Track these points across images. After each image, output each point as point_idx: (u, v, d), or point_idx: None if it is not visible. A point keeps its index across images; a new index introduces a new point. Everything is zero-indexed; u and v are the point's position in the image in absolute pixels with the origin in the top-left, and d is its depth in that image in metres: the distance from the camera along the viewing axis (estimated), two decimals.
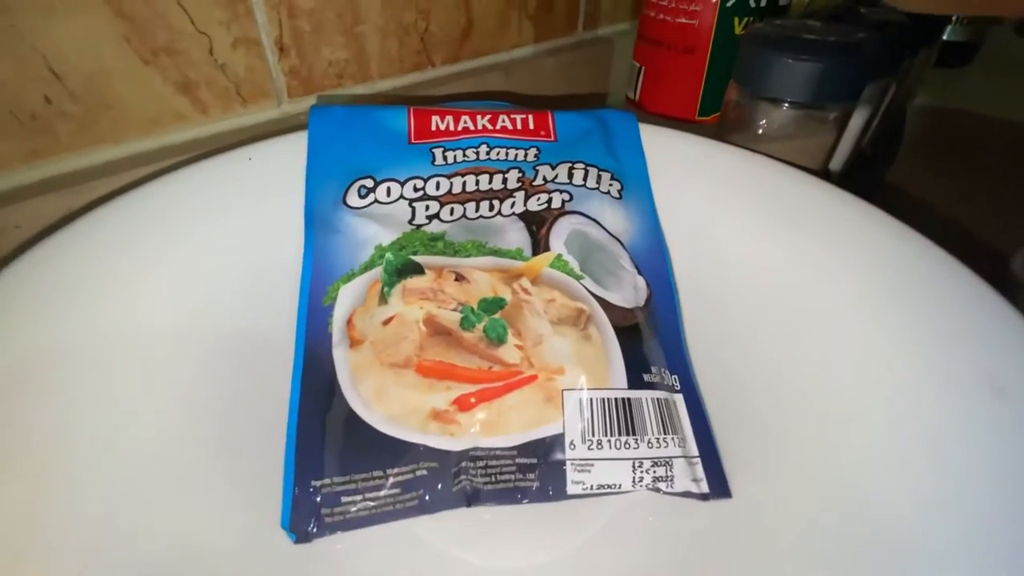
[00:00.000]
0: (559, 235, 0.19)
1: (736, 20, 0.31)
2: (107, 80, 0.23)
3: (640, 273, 0.19)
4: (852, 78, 0.19)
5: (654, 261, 0.20)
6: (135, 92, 0.24)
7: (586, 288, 0.18)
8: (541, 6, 0.41)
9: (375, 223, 0.19)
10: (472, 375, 0.16)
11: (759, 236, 0.19)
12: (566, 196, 0.20)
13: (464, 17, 0.36)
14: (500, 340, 0.16)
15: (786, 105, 0.20)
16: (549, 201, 0.20)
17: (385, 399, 0.16)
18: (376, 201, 0.20)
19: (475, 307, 0.17)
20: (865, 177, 0.31)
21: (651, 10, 0.33)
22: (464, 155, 0.21)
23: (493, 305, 0.17)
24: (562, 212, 0.19)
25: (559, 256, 0.18)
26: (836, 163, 0.25)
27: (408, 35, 0.33)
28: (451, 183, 0.20)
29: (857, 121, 0.23)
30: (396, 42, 0.32)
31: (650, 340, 0.18)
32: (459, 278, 0.18)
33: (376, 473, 0.15)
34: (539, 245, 0.19)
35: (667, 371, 0.17)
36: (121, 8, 0.22)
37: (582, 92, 0.47)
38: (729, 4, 0.30)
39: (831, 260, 0.17)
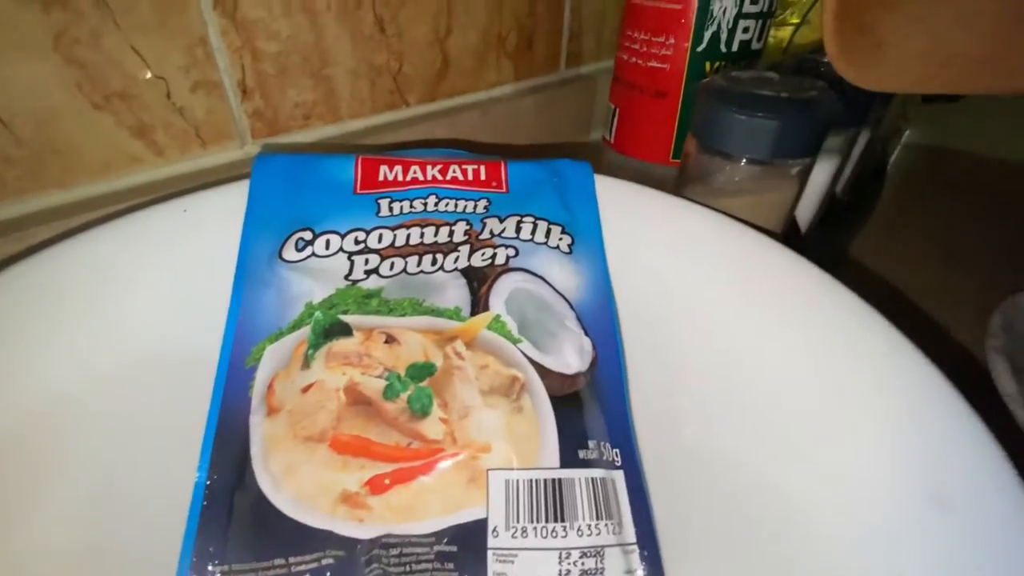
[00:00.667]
0: (500, 294, 0.18)
1: (708, 65, 0.30)
2: (56, 125, 0.22)
3: (586, 333, 0.18)
4: (808, 135, 0.18)
5: (602, 320, 0.19)
6: (86, 136, 0.23)
7: (523, 353, 0.17)
8: (520, 45, 0.41)
9: (309, 278, 0.18)
10: (389, 453, 0.15)
11: (710, 300, 0.18)
12: (511, 251, 0.19)
13: (439, 57, 0.36)
14: (424, 412, 0.15)
15: (744, 160, 0.19)
16: (493, 257, 0.19)
17: (295, 477, 0.14)
18: (313, 254, 0.19)
19: (402, 373, 0.16)
20: (844, 222, 0.30)
21: (624, 53, 0.33)
22: (411, 206, 0.20)
23: (422, 371, 0.16)
24: (505, 269, 0.19)
25: (497, 317, 0.17)
26: (804, 214, 0.24)
27: (380, 76, 0.33)
28: (395, 235, 0.20)
29: (822, 174, 0.22)
30: (367, 83, 0.32)
31: (591, 409, 0.17)
32: (389, 340, 0.17)
33: (278, 561, 0.14)
34: (478, 304, 0.18)
35: (608, 445, 0.16)
36: (72, 55, 0.22)
37: (563, 130, 0.46)
38: (700, 49, 0.30)
39: (783, 335, 0.16)
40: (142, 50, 0.23)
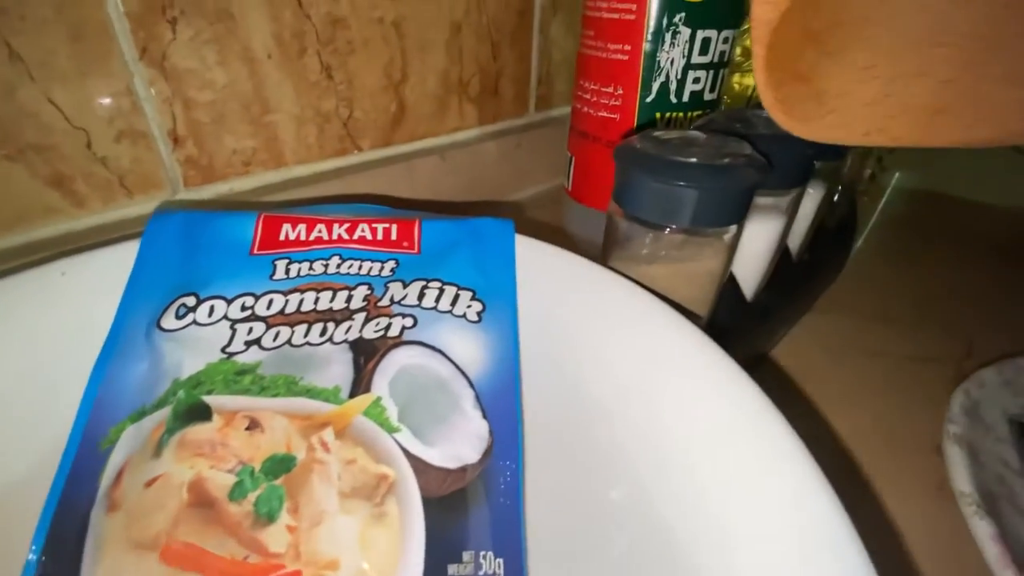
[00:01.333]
0: (386, 372, 0.16)
1: (658, 115, 0.29)
2: None
3: (485, 416, 0.16)
4: (730, 202, 0.16)
5: (504, 401, 0.17)
6: None
7: (400, 444, 0.15)
8: (485, 89, 0.41)
9: (183, 350, 0.17)
10: (223, 567, 0.13)
11: (613, 382, 0.16)
12: (409, 322, 0.18)
13: (394, 103, 0.35)
14: (270, 518, 0.13)
15: (667, 229, 0.17)
16: (387, 327, 0.17)
17: None
18: (195, 322, 0.17)
19: (257, 467, 0.14)
20: (804, 282, 0.29)
21: (577, 102, 0.32)
22: (311, 268, 0.19)
23: (280, 466, 0.14)
24: (398, 342, 0.17)
25: (377, 401, 0.16)
26: (748, 279, 0.22)
27: (328, 122, 0.32)
28: (287, 301, 0.18)
29: (759, 238, 0.21)
30: (315, 129, 0.32)
31: (477, 511, 0.15)
32: (253, 426, 0.15)
33: None
34: (360, 384, 0.16)
35: (490, 554, 0.14)
36: None
37: (532, 174, 0.46)
38: (649, 100, 0.29)
39: (685, 427, 0.14)
40: (60, 102, 0.23)
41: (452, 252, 0.20)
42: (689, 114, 0.30)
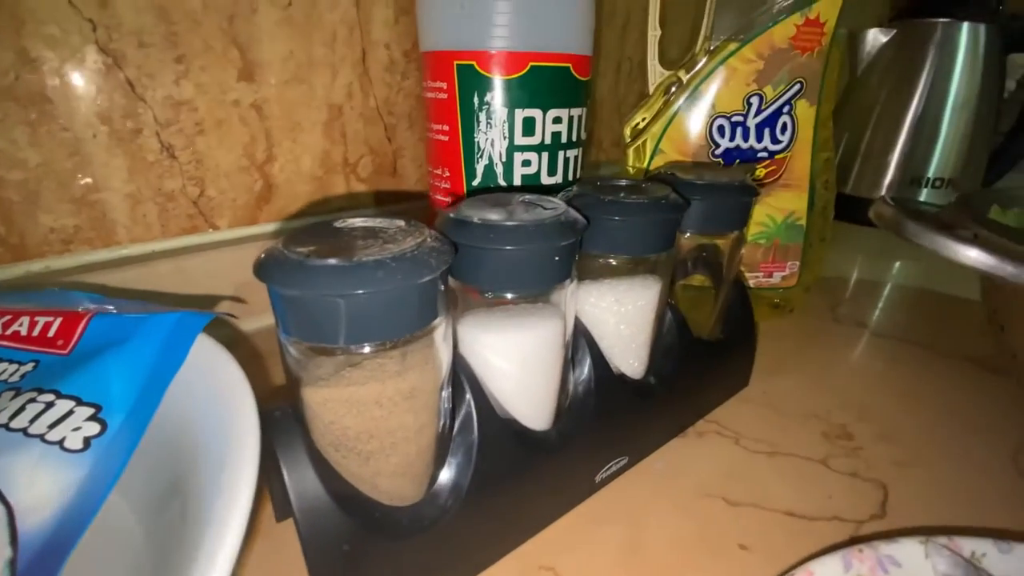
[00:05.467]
0: None
1: None
2: None
3: None
4: (375, 308, 0.12)
5: (49, 563, 0.13)
6: None
7: None
8: (380, 170, 0.40)
9: None
10: None
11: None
12: None
13: (259, 182, 0.34)
14: None
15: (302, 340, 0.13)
16: None
17: None
18: None
19: None
20: (646, 401, 0.22)
21: (430, 187, 0.30)
22: None
23: None
24: None
25: None
26: (528, 403, 0.17)
27: (173, 201, 0.31)
28: None
29: (510, 349, 0.16)
30: (154, 207, 0.31)
31: None
32: None
33: None
34: None
35: None
36: None
37: None
38: (475, 183, 0.26)
39: None
40: None
41: (104, 355, 0.16)
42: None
